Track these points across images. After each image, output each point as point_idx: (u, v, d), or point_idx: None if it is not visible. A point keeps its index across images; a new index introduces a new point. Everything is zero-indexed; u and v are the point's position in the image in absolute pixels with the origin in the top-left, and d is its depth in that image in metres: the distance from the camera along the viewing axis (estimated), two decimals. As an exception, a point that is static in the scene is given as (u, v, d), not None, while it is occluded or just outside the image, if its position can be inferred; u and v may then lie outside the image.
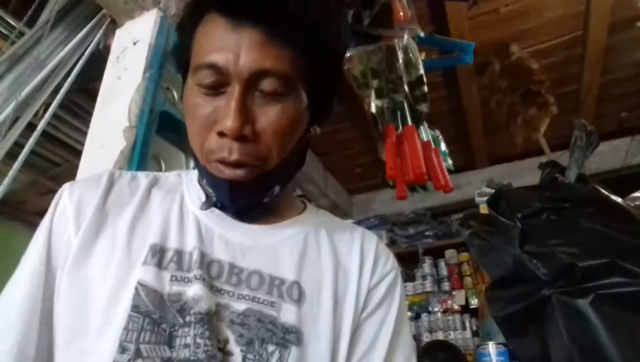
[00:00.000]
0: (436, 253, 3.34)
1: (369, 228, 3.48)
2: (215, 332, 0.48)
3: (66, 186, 0.58)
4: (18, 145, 1.48)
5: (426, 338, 3.02)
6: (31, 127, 1.51)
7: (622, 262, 0.78)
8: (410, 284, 3.32)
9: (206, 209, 0.59)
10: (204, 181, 0.58)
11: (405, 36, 1.55)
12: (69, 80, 1.50)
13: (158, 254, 0.52)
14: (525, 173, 2.54)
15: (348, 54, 1.50)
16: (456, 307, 3.08)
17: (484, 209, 1.20)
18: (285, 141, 0.55)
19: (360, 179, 3.62)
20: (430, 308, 3.16)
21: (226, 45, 0.51)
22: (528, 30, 2.25)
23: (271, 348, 0.49)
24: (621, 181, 2.64)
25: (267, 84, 0.51)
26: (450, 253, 3.29)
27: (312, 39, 0.53)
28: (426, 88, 1.67)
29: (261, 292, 0.53)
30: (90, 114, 1.36)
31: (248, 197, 0.57)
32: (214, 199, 0.58)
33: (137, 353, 0.45)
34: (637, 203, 1.00)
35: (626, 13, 2.11)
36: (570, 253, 0.83)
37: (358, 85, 1.68)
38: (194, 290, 0.50)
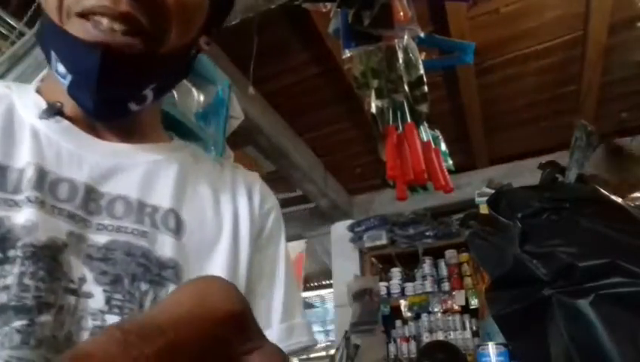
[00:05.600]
0: (436, 253, 3.35)
1: (369, 228, 3.49)
2: (61, 272, 0.37)
3: None
4: (18, 146, 1.48)
5: (426, 338, 3.03)
6: (31, 127, 1.51)
7: (622, 262, 0.78)
8: (410, 284, 3.33)
9: (47, 118, 0.44)
10: (59, 51, 0.42)
11: (405, 36, 1.56)
12: (69, 80, 1.50)
13: None
14: (525, 173, 2.54)
15: (348, 54, 1.51)
16: (456, 307, 3.09)
17: (484, 209, 1.19)
18: (189, 19, 0.44)
19: (360, 179, 3.62)
20: (430, 309, 3.17)
21: None
22: (528, 30, 2.25)
23: (144, 286, 0.40)
24: (621, 181, 2.64)
25: None
26: (450, 253, 3.30)
27: None
28: (426, 88, 1.68)
29: (128, 220, 0.42)
30: (90, 114, 1.36)
31: (121, 83, 0.43)
32: (59, 105, 0.45)
33: None
34: (637, 203, 1.00)
35: (626, 13, 2.11)
36: (570, 253, 0.83)
37: (358, 85, 1.69)
38: (25, 216, 0.37)
